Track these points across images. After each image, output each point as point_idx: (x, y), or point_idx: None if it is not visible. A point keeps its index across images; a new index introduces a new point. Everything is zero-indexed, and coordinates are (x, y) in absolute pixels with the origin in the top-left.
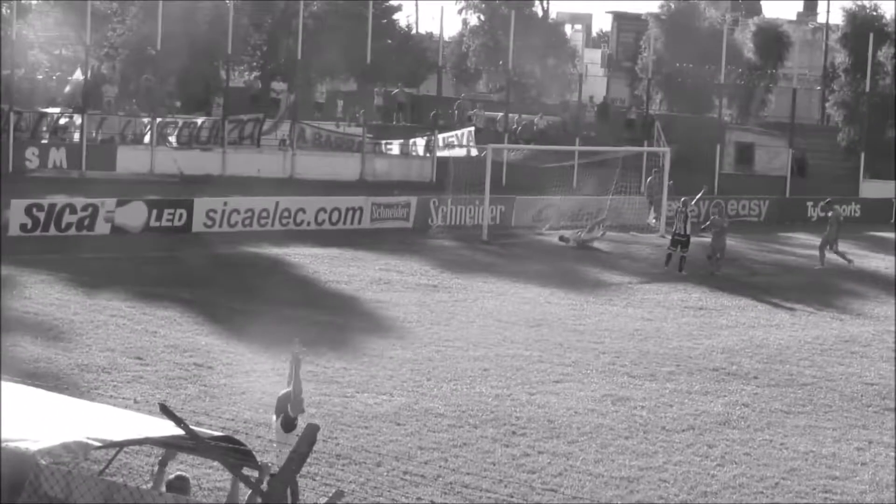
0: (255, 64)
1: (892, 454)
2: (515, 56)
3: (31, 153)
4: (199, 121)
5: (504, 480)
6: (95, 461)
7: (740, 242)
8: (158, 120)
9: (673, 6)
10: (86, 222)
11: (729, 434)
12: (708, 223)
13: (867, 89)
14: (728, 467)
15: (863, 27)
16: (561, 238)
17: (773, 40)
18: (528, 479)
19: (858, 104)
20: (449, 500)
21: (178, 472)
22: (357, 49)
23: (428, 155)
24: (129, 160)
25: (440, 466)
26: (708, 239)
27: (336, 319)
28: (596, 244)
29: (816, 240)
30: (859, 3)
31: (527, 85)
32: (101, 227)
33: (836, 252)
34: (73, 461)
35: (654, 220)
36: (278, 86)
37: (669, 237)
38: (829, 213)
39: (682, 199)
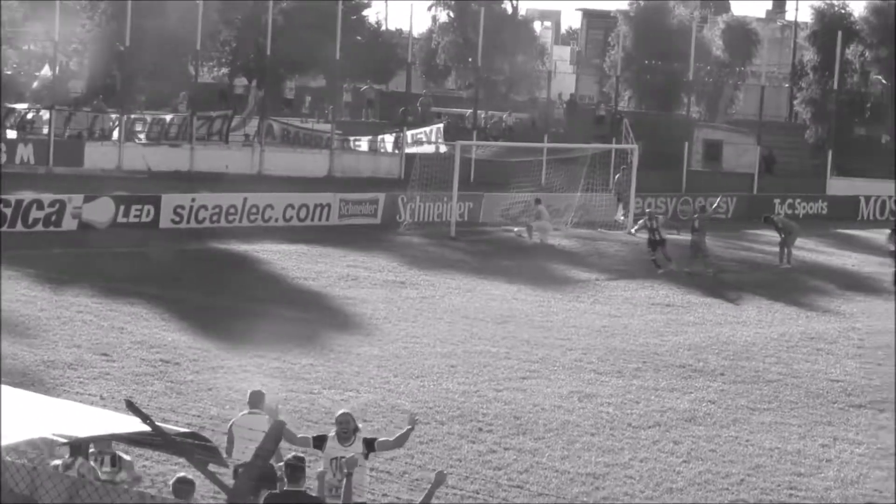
0: (224, 60)
1: (858, 451)
2: (484, 53)
3: None
4: (168, 117)
5: (470, 477)
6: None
7: (707, 239)
8: (127, 116)
9: (642, 4)
10: (53, 218)
11: (695, 431)
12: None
13: (835, 87)
14: (694, 464)
15: (831, 25)
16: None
17: (742, 38)
18: (495, 476)
19: (826, 102)
20: (415, 497)
21: (182, 474)
22: (326, 45)
23: (396, 151)
24: (97, 156)
25: (406, 463)
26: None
27: (303, 316)
28: (559, 241)
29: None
30: (828, 1)
31: (496, 82)
32: (69, 223)
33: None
34: (38, 458)
35: (622, 217)
36: (240, 81)
37: (648, 248)
38: (779, 224)
39: (648, 211)
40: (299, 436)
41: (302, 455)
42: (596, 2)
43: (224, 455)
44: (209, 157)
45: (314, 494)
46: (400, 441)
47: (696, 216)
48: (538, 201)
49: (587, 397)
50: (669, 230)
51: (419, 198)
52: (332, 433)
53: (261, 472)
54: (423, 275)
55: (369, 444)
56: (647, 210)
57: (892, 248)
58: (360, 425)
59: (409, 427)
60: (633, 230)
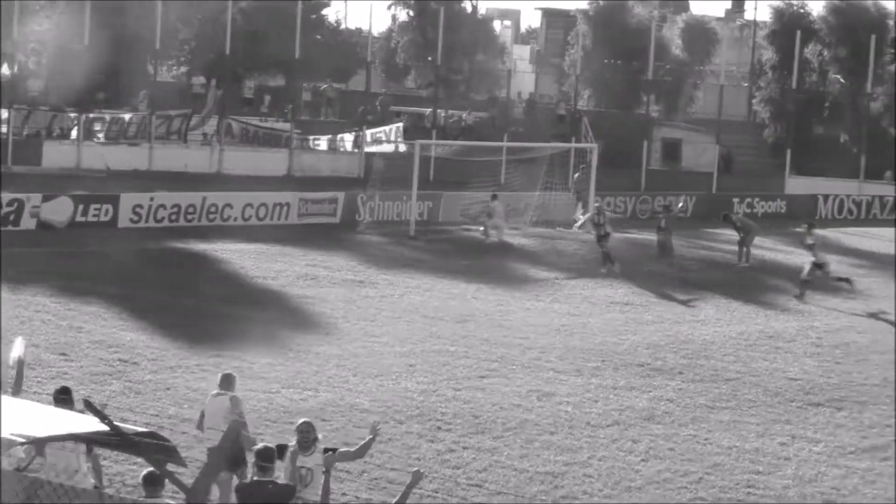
0: (183, 59)
1: (815, 449)
2: (444, 52)
3: None
4: (127, 116)
5: (429, 476)
6: None
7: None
8: (85, 115)
9: (601, 3)
10: (11, 217)
11: (653, 429)
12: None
13: (794, 86)
14: (652, 462)
15: (790, 25)
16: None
17: (701, 37)
18: (454, 475)
19: (785, 101)
20: (374, 496)
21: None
22: (285, 44)
23: (356, 150)
24: (56, 155)
25: (365, 462)
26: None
27: (262, 315)
28: (518, 241)
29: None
30: (786, 1)
31: (455, 81)
32: (27, 223)
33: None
34: None
35: (581, 216)
36: (199, 80)
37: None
38: (737, 223)
39: (596, 206)
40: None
41: (271, 445)
42: (555, 1)
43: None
44: (168, 156)
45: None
46: (361, 452)
47: (662, 215)
48: (494, 197)
49: (546, 396)
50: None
51: (378, 197)
52: (292, 442)
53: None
54: (383, 274)
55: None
56: (596, 205)
57: (810, 242)
58: (320, 423)
59: (371, 437)
60: (577, 226)
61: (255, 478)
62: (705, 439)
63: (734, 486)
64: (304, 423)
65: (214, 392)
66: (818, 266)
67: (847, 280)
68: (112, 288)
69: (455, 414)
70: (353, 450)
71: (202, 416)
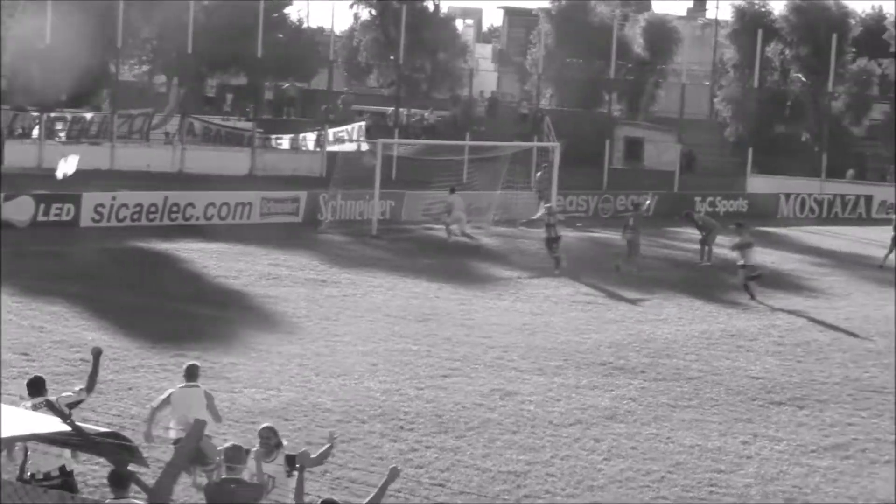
0: (145, 58)
1: (777, 447)
2: (406, 51)
3: None
4: (89, 115)
5: None
6: None
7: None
8: (47, 114)
9: (563, 2)
10: None
11: (616, 428)
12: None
13: (755, 85)
14: (615, 461)
15: (751, 23)
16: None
17: (663, 36)
18: (416, 475)
19: (746, 100)
20: (336, 496)
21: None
22: (247, 43)
23: (318, 150)
24: (17, 154)
25: (327, 462)
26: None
27: (224, 314)
28: (483, 241)
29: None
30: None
31: (418, 80)
32: None
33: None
34: None
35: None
36: (161, 79)
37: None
38: (699, 221)
39: (548, 205)
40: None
41: (240, 445)
42: (518, 0)
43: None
44: (130, 155)
45: (254, 481)
46: (320, 458)
47: (630, 214)
48: (452, 190)
49: (508, 395)
50: (570, 225)
51: (341, 196)
52: (254, 447)
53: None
54: (345, 273)
55: (291, 461)
56: (547, 205)
57: (739, 242)
58: (282, 423)
59: (328, 445)
60: (523, 224)
61: (224, 476)
62: (668, 438)
63: (696, 484)
64: (266, 428)
65: (182, 385)
66: (744, 268)
67: (756, 278)
68: (74, 287)
69: (418, 413)
70: (314, 456)
71: (165, 403)
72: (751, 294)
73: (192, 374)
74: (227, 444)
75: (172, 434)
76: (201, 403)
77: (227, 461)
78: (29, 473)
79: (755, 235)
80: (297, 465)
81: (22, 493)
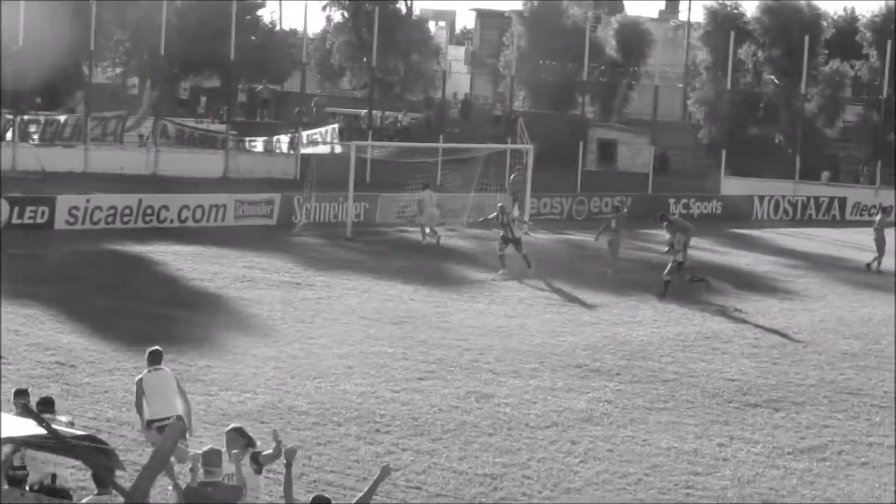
0: (118, 60)
1: (754, 450)
2: (379, 53)
3: None
4: (62, 118)
5: (368, 478)
6: None
7: (602, 239)
8: (20, 117)
9: (536, 4)
10: None
11: (592, 431)
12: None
13: (728, 87)
14: (591, 464)
15: (724, 25)
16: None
17: (636, 38)
18: (392, 477)
19: (719, 102)
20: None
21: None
22: (220, 45)
23: (292, 152)
24: None
25: (304, 465)
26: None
27: (199, 317)
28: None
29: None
30: (720, 1)
31: (391, 82)
32: None
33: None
34: None
35: (516, 216)
36: (134, 81)
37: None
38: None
39: (500, 205)
40: (190, 453)
41: (217, 448)
42: (490, 2)
43: (138, 413)
44: (104, 157)
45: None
46: (276, 452)
47: (612, 216)
48: (425, 186)
49: (484, 398)
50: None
51: (315, 198)
52: (233, 450)
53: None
54: (320, 276)
55: (255, 459)
56: (499, 204)
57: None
58: (258, 426)
59: (278, 441)
60: (474, 223)
61: (201, 480)
62: (644, 440)
63: (673, 487)
64: (233, 429)
65: (149, 370)
66: (679, 265)
67: (703, 280)
68: (49, 290)
69: (393, 416)
70: (271, 452)
71: (140, 394)
72: (707, 284)
73: (156, 358)
74: (204, 448)
75: (147, 415)
76: (172, 384)
77: (205, 464)
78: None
79: (730, 237)
80: (285, 461)
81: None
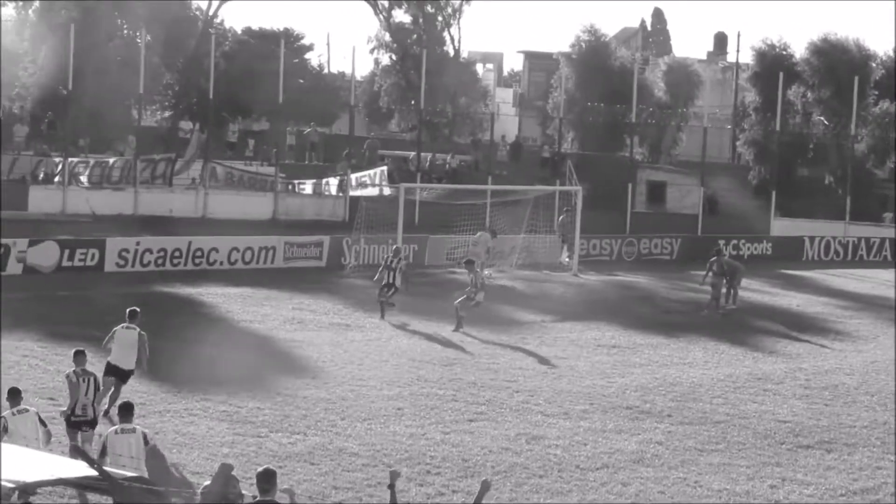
0: (167, 104)
1: (806, 491)
2: (427, 95)
3: None
4: (111, 160)
5: None
6: None
7: (652, 281)
8: (70, 159)
9: (584, 46)
10: None
11: (643, 472)
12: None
13: (777, 128)
14: None
15: (772, 66)
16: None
17: (684, 79)
18: None
19: (768, 143)
20: None
21: None
22: (269, 88)
23: (341, 194)
24: (41, 200)
25: None
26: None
27: (249, 359)
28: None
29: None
30: (769, 42)
31: (438, 124)
32: (13, 268)
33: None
34: None
35: (566, 259)
36: (186, 125)
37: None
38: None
39: (395, 246)
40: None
41: (272, 468)
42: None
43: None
44: (153, 200)
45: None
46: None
47: (714, 259)
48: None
49: (535, 439)
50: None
51: (364, 240)
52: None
53: None
54: (369, 317)
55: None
56: (394, 246)
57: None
58: (309, 467)
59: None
60: (348, 263)
61: (259, 499)
62: (695, 482)
63: None
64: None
65: (123, 325)
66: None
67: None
68: (99, 332)
69: (444, 458)
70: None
71: (107, 341)
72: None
73: (133, 316)
74: (260, 469)
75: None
76: (134, 341)
77: (260, 483)
78: None
79: (780, 278)
80: (389, 483)
81: None
